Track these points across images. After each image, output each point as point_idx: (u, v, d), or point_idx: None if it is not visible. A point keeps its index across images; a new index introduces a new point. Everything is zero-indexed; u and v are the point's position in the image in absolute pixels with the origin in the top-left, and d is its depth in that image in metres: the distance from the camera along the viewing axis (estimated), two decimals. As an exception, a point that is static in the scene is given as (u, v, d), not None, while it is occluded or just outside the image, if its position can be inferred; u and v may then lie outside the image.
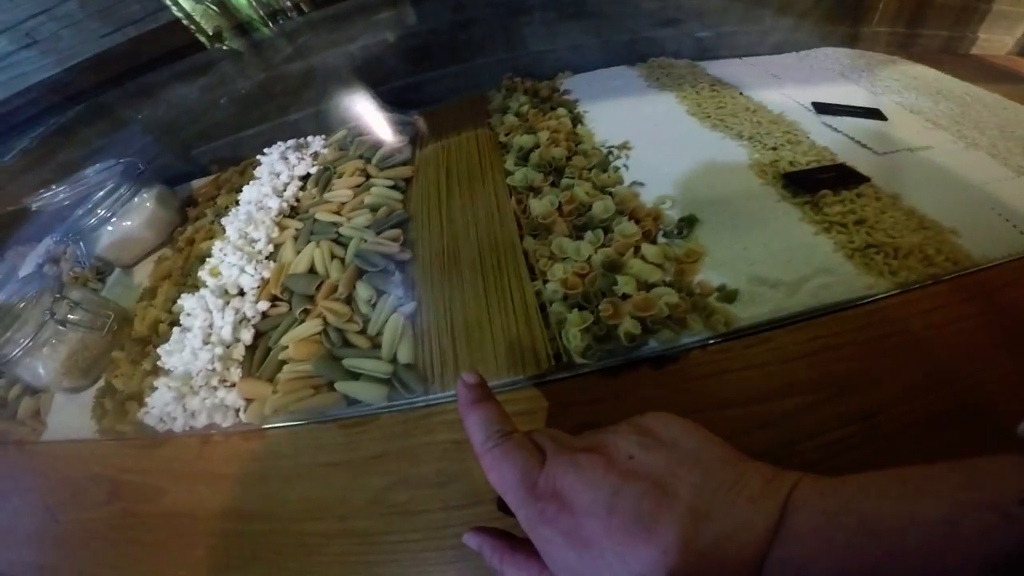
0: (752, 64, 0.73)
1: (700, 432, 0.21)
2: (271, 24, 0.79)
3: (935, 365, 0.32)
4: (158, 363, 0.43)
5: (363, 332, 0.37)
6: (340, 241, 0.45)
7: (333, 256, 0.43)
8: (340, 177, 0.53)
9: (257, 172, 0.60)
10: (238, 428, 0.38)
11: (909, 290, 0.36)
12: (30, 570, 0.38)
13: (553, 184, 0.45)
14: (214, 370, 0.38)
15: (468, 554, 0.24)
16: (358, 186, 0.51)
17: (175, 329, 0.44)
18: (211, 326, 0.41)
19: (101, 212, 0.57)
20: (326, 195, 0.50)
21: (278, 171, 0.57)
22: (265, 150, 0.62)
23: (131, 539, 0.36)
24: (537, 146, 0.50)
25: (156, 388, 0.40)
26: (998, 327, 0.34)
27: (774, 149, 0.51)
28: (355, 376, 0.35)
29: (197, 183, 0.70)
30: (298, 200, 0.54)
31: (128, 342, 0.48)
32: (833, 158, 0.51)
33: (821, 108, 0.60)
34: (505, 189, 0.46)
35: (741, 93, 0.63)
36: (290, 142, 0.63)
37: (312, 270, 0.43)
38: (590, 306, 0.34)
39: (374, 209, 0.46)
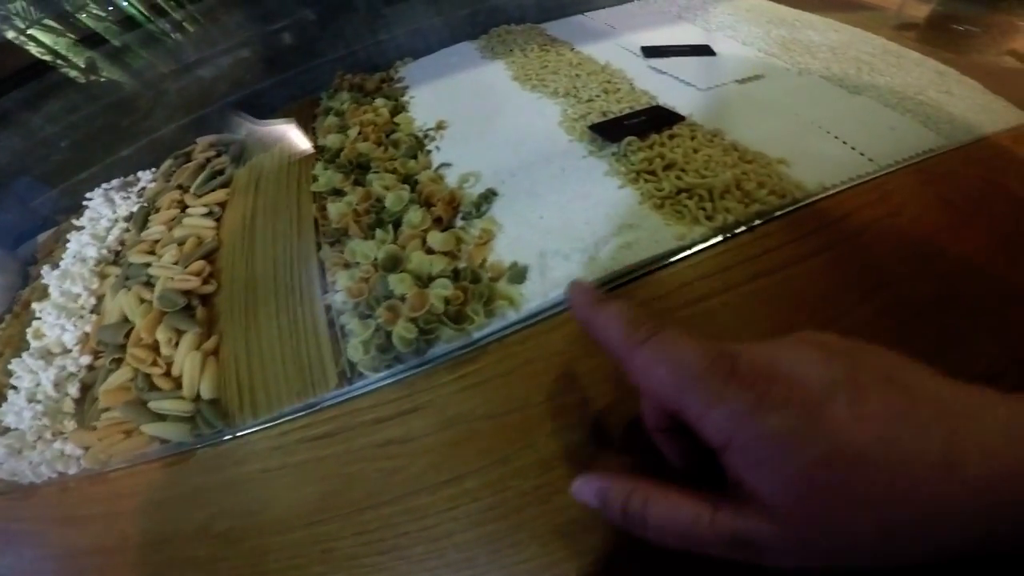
0: (592, 18, 0.72)
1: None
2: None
3: (780, 321, 0.29)
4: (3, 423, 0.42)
5: (167, 374, 0.36)
6: (151, 283, 0.43)
7: (142, 300, 0.42)
8: (157, 211, 0.51)
9: (83, 219, 0.57)
10: (83, 474, 0.37)
11: (733, 236, 0.34)
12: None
13: (357, 183, 0.44)
14: (45, 425, 0.38)
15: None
16: (173, 219, 0.49)
17: (9, 392, 0.43)
18: (38, 385, 0.41)
19: None
20: (143, 234, 0.49)
21: (100, 215, 0.55)
22: (87, 194, 0.59)
23: None
24: (343, 147, 0.49)
25: None
26: (852, 259, 0.31)
27: (589, 102, 0.51)
28: (162, 417, 0.35)
29: (42, 237, 0.67)
30: (123, 243, 0.52)
31: None
32: (650, 101, 0.51)
33: (649, 52, 0.60)
34: (309, 197, 0.45)
35: (572, 49, 0.62)
36: (115, 182, 0.60)
37: (126, 318, 0.42)
38: (372, 313, 0.33)
39: (181, 243, 0.45)
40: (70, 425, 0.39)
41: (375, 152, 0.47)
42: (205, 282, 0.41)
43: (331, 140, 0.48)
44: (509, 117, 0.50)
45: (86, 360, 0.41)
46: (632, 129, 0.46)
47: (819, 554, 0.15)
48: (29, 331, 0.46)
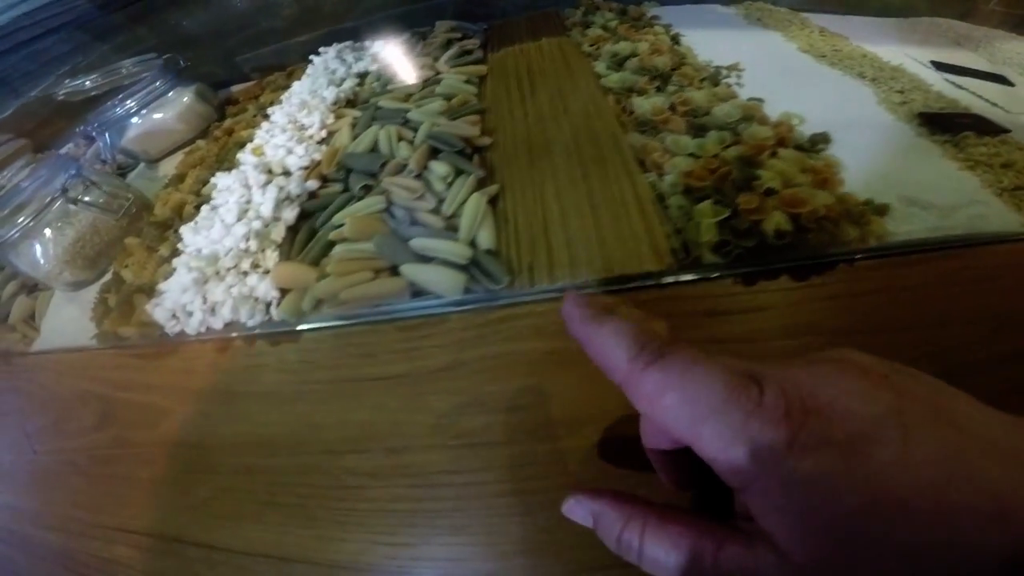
0: (857, 21, 0.67)
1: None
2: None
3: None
4: (179, 246, 0.37)
5: (435, 212, 0.30)
6: (408, 127, 0.38)
7: (400, 138, 0.36)
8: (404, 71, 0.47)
9: (309, 71, 0.54)
10: (267, 329, 0.31)
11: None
12: (-1, 512, 0.32)
13: (659, 89, 0.39)
14: (247, 250, 0.32)
15: (557, 500, 0.18)
16: (426, 80, 0.45)
17: (204, 207, 0.38)
18: (248, 203, 0.35)
19: (132, 103, 0.53)
20: (390, 87, 0.44)
21: (334, 68, 0.51)
22: (320, 49, 0.56)
23: (120, 475, 0.30)
24: (634, 54, 0.44)
25: (173, 273, 0.34)
26: None
27: (901, 92, 0.46)
28: (424, 261, 0.28)
29: (237, 88, 0.65)
30: (355, 95, 0.48)
31: (146, 227, 0.42)
32: (966, 108, 0.45)
33: (940, 66, 0.54)
34: (599, 89, 0.40)
35: (850, 43, 0.57)
36: (347, 42, 0.57)
37: (374, 151, 0.37)
38: (724, 199, 0.28)
39: (447, 97, 0.40)
40: (270, 258, 0.33)
41: (668, 68, 0.41)
42: (481, 135, 0.35)
43: (618, 47, 0.43)
44: (814, 81, 0.45)
45: (313, 185, 0.36)
46: (966, 126, 0.41)
47: None
48: (244, 151, 0.42)
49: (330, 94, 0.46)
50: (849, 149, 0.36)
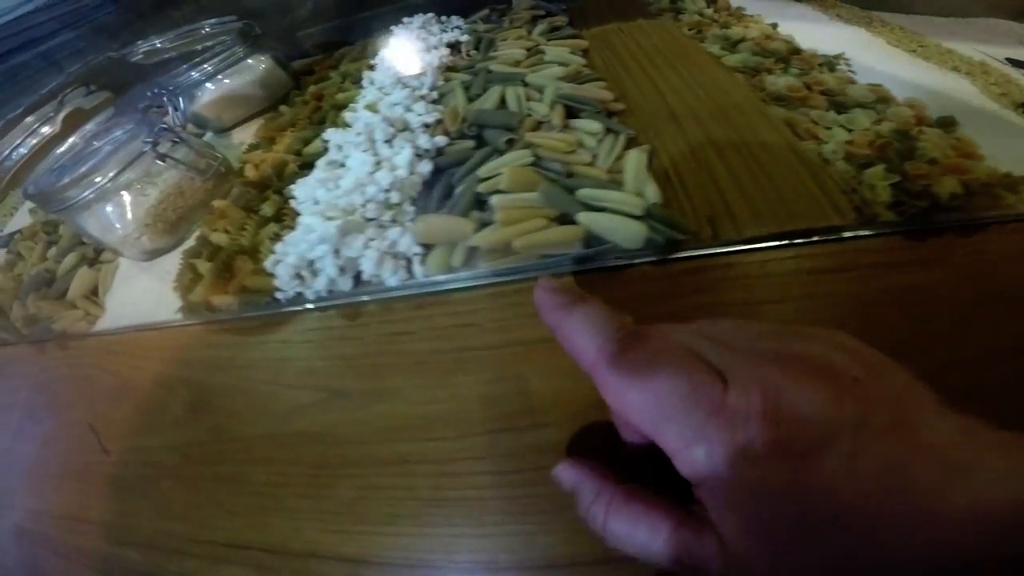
0: (920, 20, 0.69)
1: (893, 361, 0.15)
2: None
3: None
4: (291, 203, 0.35)
5: (590, 165, 0.30)
6: (530, 89, 0.38)
7: (529, 98, 0.36)
8: (504, 42, 0.46)
9: (392, 42, 0.53)
10: (411, 287, 0.28)
11: None
12: (64, 525, 0.27)
13: (784, 71, 0.39)
14: (387, 202, 0.31)
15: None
16: (529, 50, 0.44)
17: (320, 162, 0.36)
18: (376, 157, 0.34)
19: (209, 67, 0.50)
20: (491, 54, 0.44)
21: (424, 37, 0.50)
22: (404, 20, 0.55)
23: (224, 476, 0.26)
24: (744, 39, 0.44)
25: (291, 231, 0.31)
26: None
27: (996, 85, 0.47)
28: (595, 211, 0.27)
29: (298, 63, 0.63)
30: (452, 63, 0.47)
31: (237, 189, 0.40)
32: None
33: (1016, 63, 0.56)
34: (722, 67, 0.40)
35: (930, 40, 0.58)
36: (429, 14, 0.56)
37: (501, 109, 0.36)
38: (891, 166, 0.28)
39: (563, 64, 0.40)
40: (408, 212, 0.32)
41: (786, 52, 0.42)
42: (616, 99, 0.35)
43: (733, 32, 0.45)
44: (915, 73, 0.46)
45: (441, 140, 0.35)
46: None
47: None
48: (354, 109, 0.41)
49: (433, 57, 0.45)
50: (972, 131, 0.36)
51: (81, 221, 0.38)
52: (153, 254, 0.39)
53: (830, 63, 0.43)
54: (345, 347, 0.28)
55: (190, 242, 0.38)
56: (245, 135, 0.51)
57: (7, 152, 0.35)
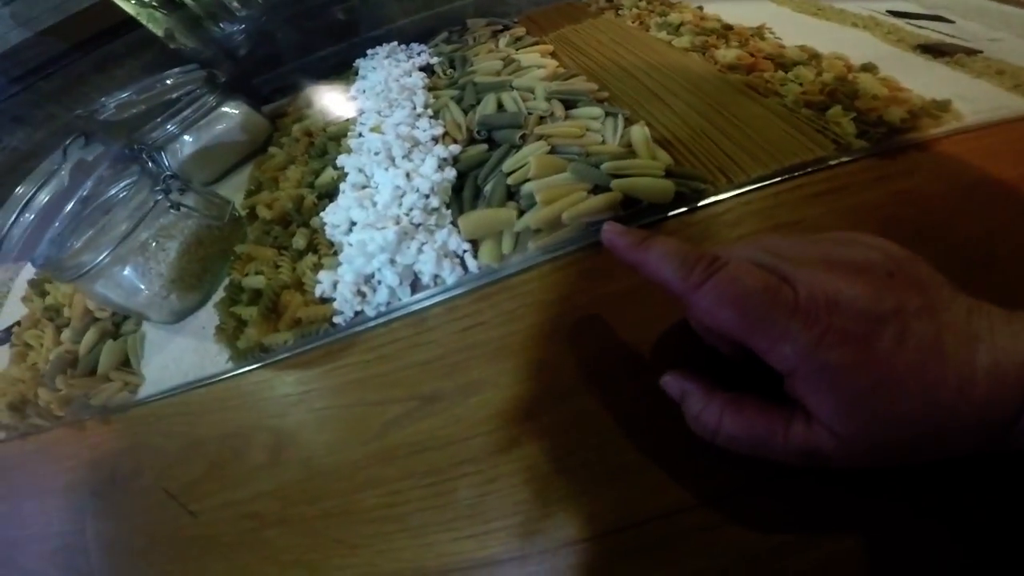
0: None
1: (914, 256, 0.18)
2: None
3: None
4: (321, 232, 0.37)
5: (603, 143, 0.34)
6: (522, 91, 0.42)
7: (524, 100, 0.39)
8: (477, 56, 0.50)
9: (363, 71, 0.55)
10: (470, 282, 0.30)
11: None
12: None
13: (726, 45, 0.46)
14: (427, 207, 0.33)
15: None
16: (505, 58, 0.48)
17: (343, 187, 0.38)
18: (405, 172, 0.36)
19: (186, 117, 0.50)
20: (477, 65, 0.47)
21: (394, 64, 0.53)
22: (368, 51, 0.58)
23: (330, 512, 0.25)
24: (683, 23, 0.50)
25: (330, 258, 0.32)
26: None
27: (890, 33, 0.55)
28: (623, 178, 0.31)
29: (266, 108, 0.64)
30: (432, 82, 0.50)
31: (253, 231, 0.41)
32: (940, 41, 0.55)
33: (897, 14, 0.66)
34: (676, 48, 0.46)
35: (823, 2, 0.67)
36: (392, 43, 0.59)
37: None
38: (844, 105, 0.34)
39: (540, 67, 0.44)
40: (446, 215, 0.34)
41: (720, 29, 0.49)
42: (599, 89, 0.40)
43: (672, 18, 0.51)
44: (824, 32, 0.54)
45: (456, 149, 0.38)
46: (955, 51, 0.49)
47: (870, 460, 0.17)
48: (351, 138, 0.43)
49: (416, 79, 0.48)
50: (889, 73, 0.43)
51: (100, 288, 0.36)
52: (182, 314, 0.38)
53: (759, 33, 0.50)
54: (421, 353, 0.29)
55: (222, 289, 0.38)
56: (233, 184, 0.51)
57: (12, 219, 0.34)
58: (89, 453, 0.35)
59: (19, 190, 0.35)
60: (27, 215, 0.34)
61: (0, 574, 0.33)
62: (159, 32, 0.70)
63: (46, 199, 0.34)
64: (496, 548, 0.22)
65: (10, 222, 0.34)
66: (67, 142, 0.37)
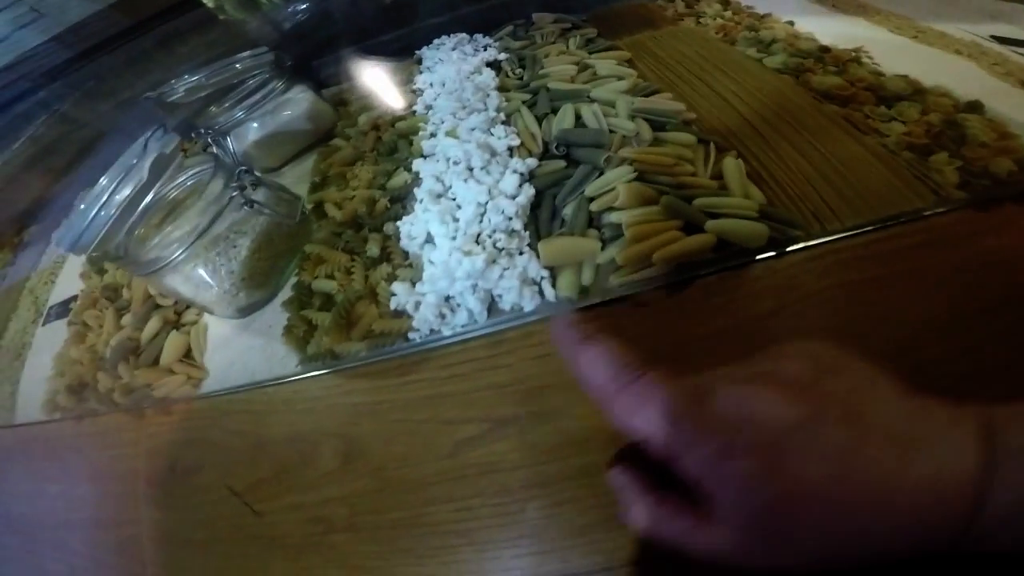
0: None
1: (856, 357, 0.18)
2: None
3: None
4: (398, 240, 0.36)
5: (693, 175, 0.32)
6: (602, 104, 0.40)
7: (605, 115, 0.38)
8: (548, 58, 0.48)
9: (427, 63, 0.54)
10: (548, 310, 0.29)
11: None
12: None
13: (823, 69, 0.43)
14: (510, 231, 0.32)
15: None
16: (577, 63, 0.47)
17: (421, 194, 0.37)
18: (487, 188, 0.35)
19: (253, 103, 0.49)
20: (551, 69, 0.46)
21: (462, 58, 0.52)
22: (435, 40, 0.56)
23: (399, 523, 0.26)
24: (775, 40, 0.47)
25: (404, 270, 0.32)
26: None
27: (998, 64, 0.51)
28: (713, 218, 0.30)
29: (326, 92, 0.63)
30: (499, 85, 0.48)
31: (326, 230, 0.40)
32: None
33: (1002, 40, 0.61)
34: (769, 69, 0.43)
35: (920, 23, 0.62)
36: (461, 35, 0.58)
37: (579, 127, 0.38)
38: (950, 151, 0.33)
39: (619, 77, 0.42)
40: (524, 237, 0.33)
41: (817, 49, 0.46)
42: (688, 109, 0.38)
43: (763, 34, 0.49)
44: (925, 59, 0.50)
45: (532, 163, 0.37)
46: None
47: (792, 565, 0.17)
48: (425, 139, 0.42)
49: (487, 78, 0.46)
50: (995, 111, 0.40)
51: (171, 282, 0.36)
52: (248, 310, 0.38)
53: (856, 58, 0.47)
54: (496, 376, 0.29)
55: (290, 288, 0.38)
56: (295, 173, 0.51)
57: (96, 210, 0.34)
58: (148, 442, 0.36)
59: (102, 182, 0.35)
60: (109, 210, 0.34)
61: (52, 556, 0.34)
62: (210, 3, 0.70)
63: (127, 193, 0.34)
64: (556, 566, 0.24)
65: (91, 216, 0.34)
66: (148, 134, 0.37)
